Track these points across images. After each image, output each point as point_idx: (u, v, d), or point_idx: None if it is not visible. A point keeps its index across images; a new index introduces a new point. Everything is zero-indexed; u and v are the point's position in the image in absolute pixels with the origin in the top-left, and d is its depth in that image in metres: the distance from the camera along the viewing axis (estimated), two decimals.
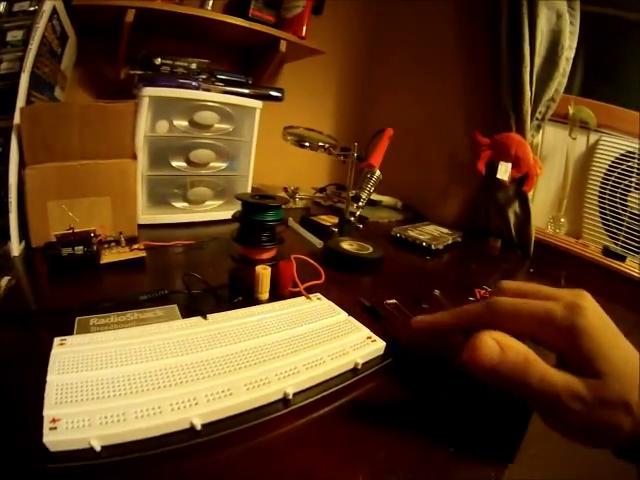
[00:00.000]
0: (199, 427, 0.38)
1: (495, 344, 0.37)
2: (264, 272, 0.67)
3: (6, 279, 0.65)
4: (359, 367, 0.50)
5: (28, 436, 0.35)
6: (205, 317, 0.55)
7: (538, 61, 1.28)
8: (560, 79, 1.29)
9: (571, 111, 1.33)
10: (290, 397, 0.43)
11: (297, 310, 0.61)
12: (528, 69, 1.26)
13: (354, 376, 0.50)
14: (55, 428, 0.34)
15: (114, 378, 0.41)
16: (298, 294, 0.67)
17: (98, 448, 0.34)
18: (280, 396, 0.43)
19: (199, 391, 0.40)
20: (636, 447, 0.36)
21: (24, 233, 0.82)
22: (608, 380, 0.35)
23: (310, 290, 0.68)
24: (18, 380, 0.44)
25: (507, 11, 1.29)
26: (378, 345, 0.54)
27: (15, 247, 0.79)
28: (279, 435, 0.40)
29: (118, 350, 0.46)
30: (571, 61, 1.29)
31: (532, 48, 1.25)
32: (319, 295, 0.67)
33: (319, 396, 0.45)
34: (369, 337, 0.56)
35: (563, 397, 0.35)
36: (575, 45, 1.28)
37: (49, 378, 0.40)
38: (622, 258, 1.22)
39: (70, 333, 0.50)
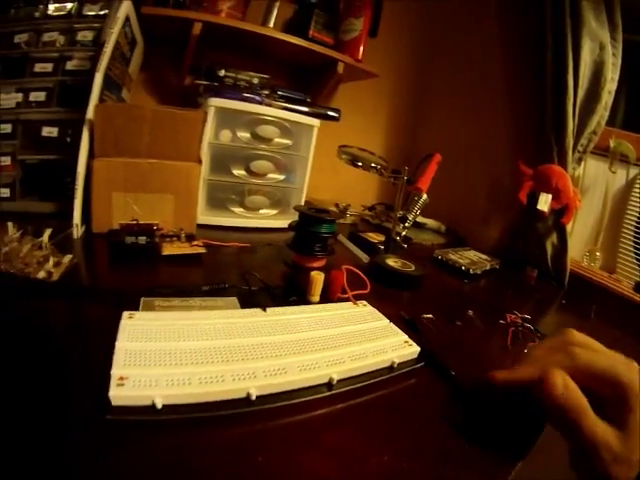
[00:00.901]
0: (254, 397, 0.42)
1: (562, 382, 0.43)
2: (318, 277, 0.71)
3: (69, 257, 0.71)
4: (395, 365, 0.55)
5: (92, 391, 0.39)
6: (264, 309, 0.60)
7: (581, 93, 1.28)
8: (602, 112, 1.30)
9: (612, 144, 1.34)
10: (334, 382, 0.48)
11: (345, 313, 0.66)
12: (571, 101, 1.27)
13: (390, 373, 0.55)
14: (122, 385, 0.39)
15: (181, 350, 0.46)
16: (346, 300, 0.72)
17: (160, 405, 0.39)
18: (326, 380, 0.48)
19: (258, 368, 0.45)
20: None
21: (86, 219, 0.89)
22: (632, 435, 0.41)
23: (357, 298, 0.73)
24: (84, 346, 0.49)
25: (552, 42, 1.30)
26: (413, 349, 0.59)
27: (78, 230, 0.86)
28: (322, 414, 0.45)
29: (184, 328, 0.50)
30: (613, 94, 1.30)
31: (575, 79, 1.26)
32: (365, 302, 0.72)
33: (359, 385, 0.51)
34: (406, 341, 0.61)
35: (600, 445, 0.41)
36: (617, 77, 1.29)
37: (118, 344, 0.45)
38: None
39: (135, 310, 0.55)
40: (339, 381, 0.49)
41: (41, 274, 0.63)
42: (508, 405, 0.52)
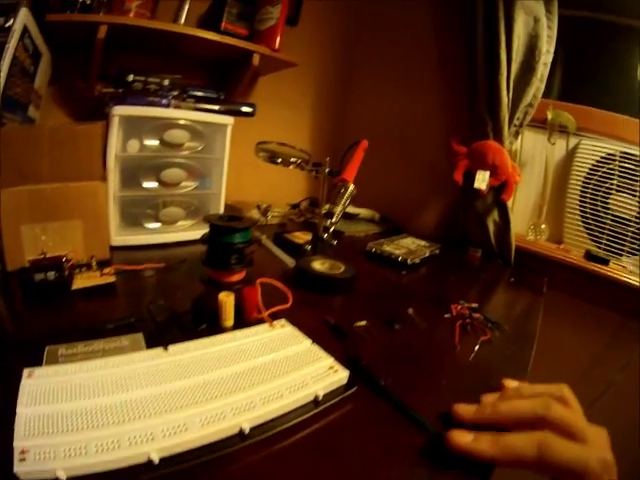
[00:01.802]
0: (157, 461, 0.39)
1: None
2: (227, 299, 0.67)
3: None
4: (320, 399, 0.51)
5: (2, 466, 0.37)
6: (166, 348, 0.57)
7: (515, 67, 1.29)
8: (538, 84, 1.31)
9: (550, 116, 1.35)
10: (247, 432, 0.45)
11: (259, 339, 0.62)
12: (505, 75, 1.27)
13: (316, 407, 0.51)
14: (24, 459, 0.37)
15: (78, 411, 0.43)
16: (264, 320, 0.68)
17: (63, 478, 0.36)
18: (236, 431, 0.45)
19: (156, 425, 0.42)
20: None
21: (0, 257, 0.84)
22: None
23: (277, 315, 0.70)
24: None
25: (483, 15, 1.31)
26: (340, 375, 0.55)
27: None
28: (237, 469, 0.42)
29: (82, 383, 0.48)
30: (549, 66, 1.31)
31: (509, 53, 1.27)
32: (283, 322, 0.68)
33: (277, 430, 0.46)
34: (331, 367, 0.57)
35: None
36: (553, 49, 1.30)
37: (18, 410, 0.43)
38: (605, 262, 1.24)
39: (40, 362, 0.53)
40: (253, 429, 0.46)
41: None
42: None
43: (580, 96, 1.40)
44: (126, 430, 0.41)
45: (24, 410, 0.43)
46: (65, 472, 0.37)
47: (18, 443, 0.38)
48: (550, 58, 1.30)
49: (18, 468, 0.36)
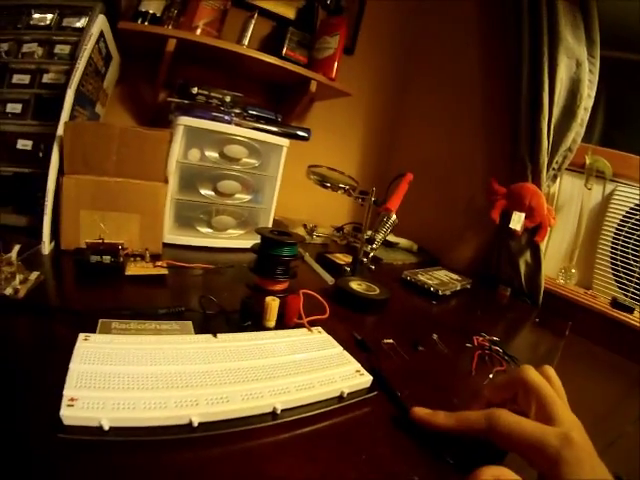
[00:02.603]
0: (196, 424, 0.43)
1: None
2: (273, 303, 0.72)
3: (36, 274, 0.72)
4: (344, 395, 0.55)
5: (47, 409, 0.41)
6: (215, 335, 0.61)
7: (556, 111, 1.30)
8: (578, 129, 1.31)
9: (588, 161, 1.35)
10: (279, 412, 0.49)
11: (298, 340, 0.66)
12: (546, 118, 1.29)
13: (339, 402, 0.55)
14: (72, 405, 0.41)
15: (129, 374, 0.47)
16: (302, 326, 0.72)
17: (107, 427, 0.40)
18: (270, 409, 0.49)
19: (201, 395, 0.46)
20: None
21: (55, 235, 0.90)
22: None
23: (313, 323, 0.73)
24: (44, 364, 0.50)
25: (529, 60, 1.33)
26: (365, 379, 0.59)
27: (46, 247, 0.87)
28: (265, 443, 0.46)
29: (135, 352, 0.52)
30: (589, 110, 1.31)
31: (551, 97, 1.28)
32: (320, 329, 0.72)
33: (305, 415, 0.50)
34: (358, 371, 0.61)
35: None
36: (594, 94, 1.31)
37: (72, 366, 0.46)
38: (630, 310, 1.23)
39: (93, 332, 0.56)
40: (284, 410, 0.50)
41: (8, 291, 0.64)
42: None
43: (619, 141, 1.40)
44: (173, 395, 0.45)
45: (77, 366, 0.47)
46: (109, 422, 0.40)
47: (68, 392, 0.42)
48: (591, 103, 1.31)
49: (64, 412, 0.40)
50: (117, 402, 0.43)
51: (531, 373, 0.51)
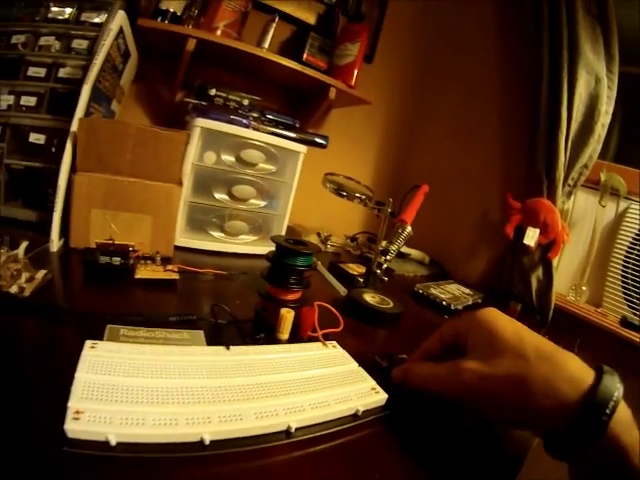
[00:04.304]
0: (208, 442, 0.41)
1: (400, 371, 0.59)
2: (288, 315, 0.69)
3: (42, 272, 0.70)
4: (359, 414, 0.53)
5: (48, 421, 0.39)
6: (228, 348, 0.58)
7: (574, 126, 1.28)
8: (595, 145, 1.29)
9: (603, 178, 1.34)
10: (292, 430, 0.47)
11: (312, 355, 0.64)
12: (564, 134, 1.27)
13: (354, 421, 0.53)
14: (78, 419, 0.38)
15: (138, 387, 0.45)
16: (316, 339, 0.69)
17: (114, 443, 0.38)
18: (284, 428, 0.47)
19: (213, 412, 0.44)
20: (564, 441, 0.43)
21: (64, 233, 0.88)
22: (506, 354, 0.47)
23: (328, 337, 0.71)
24: (42, 370, 0.48)
25: (548, 74, 1.31)
26: (380, 397, 0.57)
27: (54, 245, 0.85)
28: (278, 462, 0.44)
29: (144, 363, 0.50)
30: (607, 127, 1.30)
31: (569, 112, 1.26)
32: (335, 343, 0.70)
33: (319, 433, 0.48)
34: (373, 388, 0.58)
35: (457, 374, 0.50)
36: (612, 110, 1.29)
37: (77, 375, 0.44)
38: (639, 329, 1.22)
39: (100, 337, 0.54)
40: (298, 429, 0.48)
41: (13, 289, 0.62)
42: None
43: (635, 159, 1.38)
44: (185, 411, 0.43)
45: (83, 376, 0.44)
46: (116, 437, 0.38)
47: (73, 404, 0.40)
48: (608, 119, 1.29)
49: (69, 426, 0.37)
50: (125, 416, 0.40)
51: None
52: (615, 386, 0.42)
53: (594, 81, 1.28)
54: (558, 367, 0.45)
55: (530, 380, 0.44)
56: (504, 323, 0.51)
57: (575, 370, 0.45)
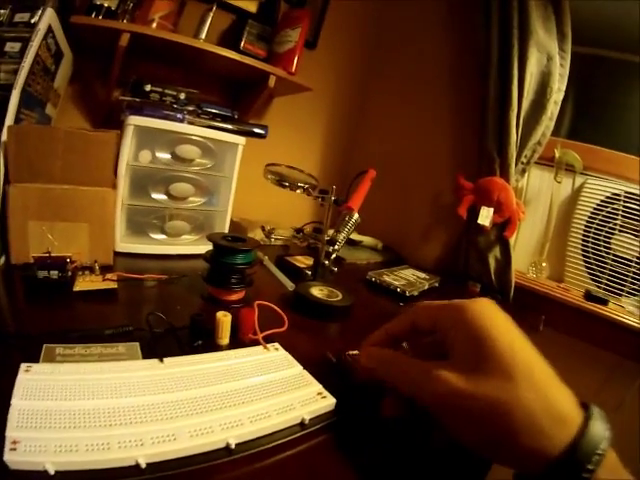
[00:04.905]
0: (144, 465, 0.40)
1: (365, 355, 0.55)
2: (224, 319, 0.68)
3: None
4: (306, 422, 0.52)
5: None
6: (162, 360, 0.57)
7: (526, 104, 1.30)
8: (547, 122, 1.31)
9: (557, 154, 1.36)
10: (232, 447, 0.45)
11: (251, 360, 0.62)
12: (515, 112, 1.28)
13: (301, 430, 0.51)
14: (15, 449, 0.38)
15: (70, 411, 0.44)
16: (258, 342, 0.68)
17: (52, 472, 0.37)
18: (222, 445, 0.45)
19: (146, 433, 0.43)
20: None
21: (4, 249, 0.85)
22: (491, 372, 0.40)
23: (271, 338, 0.70)
24: None
25: (498, 53, 1.32)
26: (328, 402, 0.56)
27: None
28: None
29: (77, 384, 0.49)
30: (559, 104, 1.31)
31: (520, 90, 1.28)
32: (277, 345, 0.68)
33: (264, 447, 0.47)
34: (319, 393, 0.57)
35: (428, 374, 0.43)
36: (564, 88, 1.31)
37: (13, 402, 0.44)
38: (604, 302, 1.25)
39: (37, 358, 0.53)
40: (239, 444, 0.46)
41: None
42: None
43: (588, 134, 1.41)
44: (116, 434, 0.42)
45: (18, 402, 0.44)
46: (54, 466, 0.38)
47: (10, 433, 0.39)
48: (561, 96, 1.31)
49: (8, 457, 0.37)
50: (59, 443, 0.40)
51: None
52: (603, 435, 0.37)
53: (546, 59, 1.29)
54: (547, 400, 0.38)
55: (513, 411, 0.38)
56: (499, 331, 0.43)
57: (563, 407, 0.39)
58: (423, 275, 1.33)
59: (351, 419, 0.55)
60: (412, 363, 0.47)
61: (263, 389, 0.55)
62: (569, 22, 1.29)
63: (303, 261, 1.21)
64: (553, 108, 1.31)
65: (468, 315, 0.44)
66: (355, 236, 1.57)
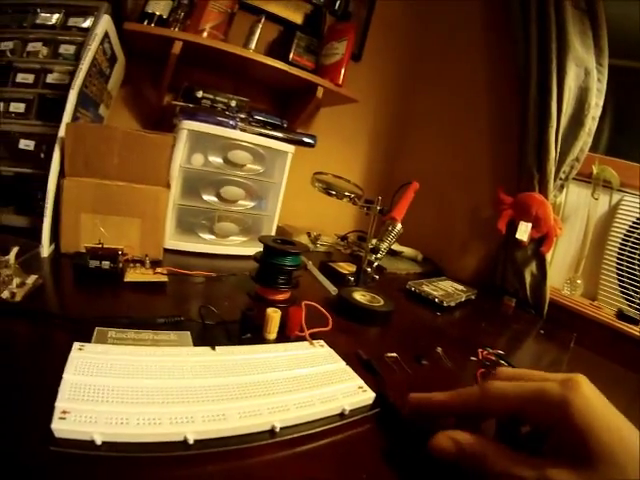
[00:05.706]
0: (191, 441, 0.42)
1: (450, 441, 0.44)
2: (274, 315, 0.69)
3: (33, 277, 0.70)
4: (346, 413, 0.53)
5: (39, 419, 0.39)
6: (213, 348, 0.59)
7: (564, 120, 1.29)
8: (585, 138, 1.30)
9: (595, 171, 1.34)
10: (277, 430, 0.47)
11: (298, 354, 0.64)
12: (554, 128, 1.27)
13: (340, 420, 0.52)
14: (64, 418, 0.39)
15: (123, 387, 0.46)
16: (304, 338, 0.70)
17: (99, 442, 0.39)
18: (268, 427, 0.47)
19: (197, 412, 0.45)
20: None
21: (55, 238, 0.89)
22: (600, 465, 0.35)
23: (316, 336, 0.71)
24: (32, 373, 0.49)
25: (537, 69, 1.32)
26: (367, 395, 0.57)
27: (45, 249, 0.86)
28: (263, 461, 0.44)
29: (130, 364, 0.50)
30: (597, 120, 1.30)
31: (559, 106, 1.27)
32: (322, 342, 0.70)
33: (305, 433, 0.48)
34: (360, 387, 0.59)
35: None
36: (602, 103, 1.29)
37: (65, 376, 0.45)
38: (635, 322, 1.22)
39: (88, 340, 0.55)
40: (283, 428, 0.48)
41: (5, 294, 0.63)
42: None
43: (626, 151, 1.38)
44: (169, 411, 0.44)
45: (70, 377, 0.45)
46: (102, 437, 0.39)
47: (60, 404, 0.41)
48: (599, 112, 1.30)
49: (56, 425, 0.38)
50: (110, 416, 0.41)
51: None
52: None
53: (584, 74, 1.28)
54: None
55: None
56: (603, 422, 0.38)
57: None
58: (461, 287, 1.33)
59: (389, 415, 0.56)
60: (519, 459, 0.40)
61: (309, 380, 0.57)
62: (605, 36, 1.28)
63: (346, 267, 1.22)
64: (591, 124, 1.29)
65: (574, 411, 0.38)
66: (396, 247, 1.57)
